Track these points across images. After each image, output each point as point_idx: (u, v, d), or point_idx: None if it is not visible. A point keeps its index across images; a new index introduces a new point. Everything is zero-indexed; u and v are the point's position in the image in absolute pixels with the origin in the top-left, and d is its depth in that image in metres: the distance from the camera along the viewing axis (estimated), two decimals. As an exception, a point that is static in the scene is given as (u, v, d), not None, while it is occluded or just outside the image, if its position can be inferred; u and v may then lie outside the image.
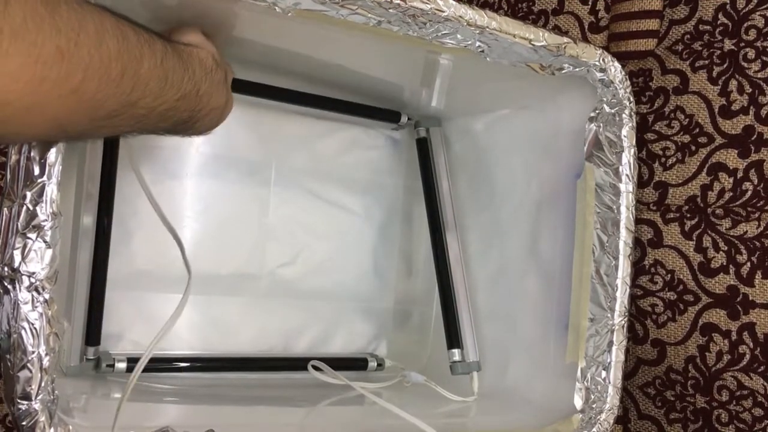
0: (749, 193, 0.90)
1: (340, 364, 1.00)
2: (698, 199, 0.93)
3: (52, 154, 0.59)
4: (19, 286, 0.58)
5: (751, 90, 0.90)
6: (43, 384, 0.59)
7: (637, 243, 0.95)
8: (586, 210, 0.91)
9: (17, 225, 0.58)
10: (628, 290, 0.89)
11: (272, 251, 1.02)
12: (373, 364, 1.05)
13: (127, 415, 0.81)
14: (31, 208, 0.58)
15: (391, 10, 0.73)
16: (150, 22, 0.76)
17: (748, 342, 0.89)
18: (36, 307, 0.59)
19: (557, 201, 0.95)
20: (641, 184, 0.96)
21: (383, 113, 1.06)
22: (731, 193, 0.91)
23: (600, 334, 0.89)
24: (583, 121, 0.91)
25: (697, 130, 0.93)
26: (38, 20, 0.45)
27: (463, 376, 0.99)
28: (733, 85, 0.91)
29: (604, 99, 0.89)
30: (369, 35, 0.77)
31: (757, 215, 0.89)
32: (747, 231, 0.90)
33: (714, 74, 0.93)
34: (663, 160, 0.96)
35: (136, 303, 0.93)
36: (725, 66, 0.92)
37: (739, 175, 0.90)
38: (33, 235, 0.58)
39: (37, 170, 0.58)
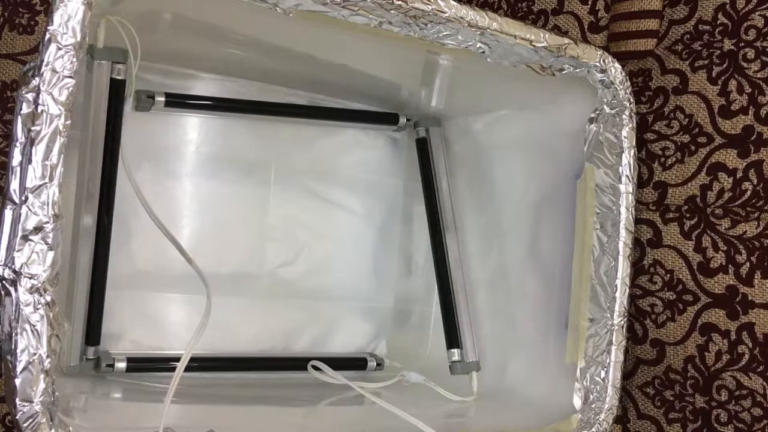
0: (749, 193, 0.90)
1: (339, 363, 1.00)
2: (698, 199, 0.93)
3: (54, 156, 0.58)
4: (21, 288, 0.58)
5: (750, 90, 0.90)
6: (44, 386, 0.59)
7: (637, 243, 0.95)
8: (585, 211, 0.91)
9: (19, 227, 0.58)
10: (627, 291, 0.89)
11: (272, 251, 1.02)
12: (372, 363, 1.05)
13: (127, 415, 0.82)
14: (32, 210, 0.58)
15: (392, 12, 0.73)
16: (144, 30, 0.77)
17: (747, 342, 0.89)
18: (38, 309, 0.58)
19: (557, 201, 0.95)
20: (641, 183, 0.96)
21: (382, 117, 1.06)
22: (730, 193, 0.91)
23: (599, 334, 0.89)
24: (583, 122, 0.91)
25: (697, 130, 0.93)
26: None
27: (463, 375, 0.99)
28: (732, 85, 0.91)
29: (605, 100, 0.89)
30: (369, 36, 0.77)
31: (756, 215, 0.89)
32: (746, 231, 0.90)
33: (713, 74, 0.93)
34: (662, 160, 0.96)
35: (136, 303, 0.93)
36: (725, 66, 0.92)
37: (739, 175, 0.90)
38: (35, 237, 0.58)
39: (39, 172, 0.58)
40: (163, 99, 0.89)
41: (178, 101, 0.92)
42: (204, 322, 0.79)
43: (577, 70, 0.86)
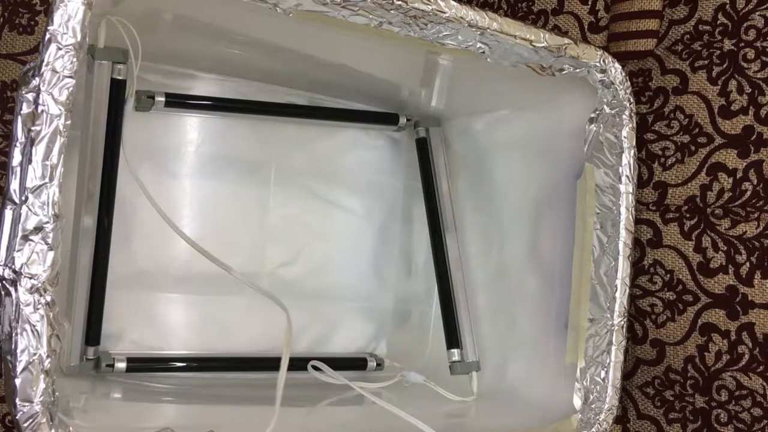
0: (748, 193, 0.90)
1: (339, 364, 1.00)
2: (697, 199, 0.93)
3: (54, 156, 0.58)
4: (21, 288, 0.58)
5: (750, 90, 0.90)
6: (44, 386, 0.59)
7: (637, 243, 0.95)
8: (585, 211, 0.91)
9: (19, 227, 0.58)
10: (627, 291, 0.89)
11: (272, 251, 1.02)
12: (372, 363, 1.05)
13: (127, 415, 0.82)
14: (33, 210, 0.58)
15: (392, 12, 0.73)
16: (143, 23, 0.77)
17: (747, 342, 0.89)
18: (38, 309, 0.58)
19: (557, 201, 0.95)
20: (641, 184, 0.97)
21: (382, 117, 1.06)
22: (730, 193, 0.91)
23: (599, 334, 0.89)
24: (583, 122, 0.91)
25: (697, 130, 0.93)
26: None
27: (463, 376, 0.99)
28: (732, 85, 0.91)
29: (605, 100, 0.89)
30: (369, 36, 0.77)
31: (756, 215, 0.89)
32: (746, 231, 0.90)
33: (713, 74, 0.93)
34: (662, 160, 0.96)
35: (136, 303, 0.93)
36: (725, 66, 0.92)
37: (739, 175, 0.90)
38: (35, 238, 0.58)
39: (39, 172, 0.58)
40: (163, 99, 0.89)
41: (178, 101, 0.92)
42: (289, 328, 0.80)
43: (577, 70, 0.86)
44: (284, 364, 0.78)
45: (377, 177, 1.09)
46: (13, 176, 0.59)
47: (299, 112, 1.02)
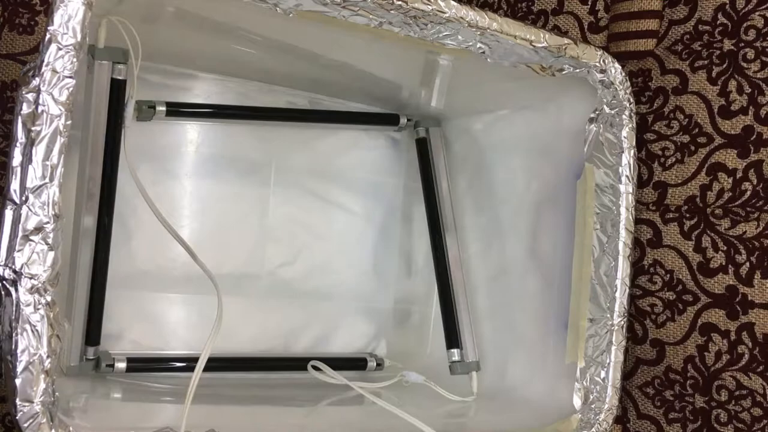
0: (748, 193, 0.90)
1: (339, 364, 1.00)
2: (697, 199, 0.93)
3: (54, 156, 0.58)
4: (21, 288, 0.58)
5: (750, 90, 0.90)
6: (44, 386, 0.59)
7: (637, 243, 0.95)
8: (585, 211, 0.92)
9: (19, 227, 0.58)
10: (627, 291, 0.89)
11: (272, 251, 1.01)
12: (372, 363, 1.05)
13: (127, 415, 0.82)
14: (33, 210, 0.58)
15: (392, 12, 0.73)
16: (143, 22, 0.77)
17: (747, 342, 0.89)
18: (38, 309, 0.58)
19: (557, 201, 0.95)
20: (640, 184, 0.97)
21: (382, 118, 1.06)
22: (730, 194, 0.91)
23: (599, 334, 0.89)
24: (583, 122, 0.91)
25: (697, 130, 0.93)
26: None
27: (463, 376, 0.99)
28: (732, 85, 0.91)
29: (605, 100, 0.89)
30: (370, 36, 0.77)
31: (756, 215, 0.89)
32: (746, 231, 0.90)
33: (713, 74, 0.93)
34: (662, 160, 0.96)
35: (136, 303, 0.93)
36: (724, 66, 0.92)
37: (739, 175, 0.90)
38: (35, 238, 0.58)
39: (39, 172, 0.58)
40: (164, 108, 0.89)
41: (179, 110, 0.92)
42: (217, 323, 0.79)
43: (577, 71, 0.86)
44: (206, 350, 0.77)
45: (377, 177, 1.09)
46: (14, 176, 0.59)
47: (300, 117, 1.02)
